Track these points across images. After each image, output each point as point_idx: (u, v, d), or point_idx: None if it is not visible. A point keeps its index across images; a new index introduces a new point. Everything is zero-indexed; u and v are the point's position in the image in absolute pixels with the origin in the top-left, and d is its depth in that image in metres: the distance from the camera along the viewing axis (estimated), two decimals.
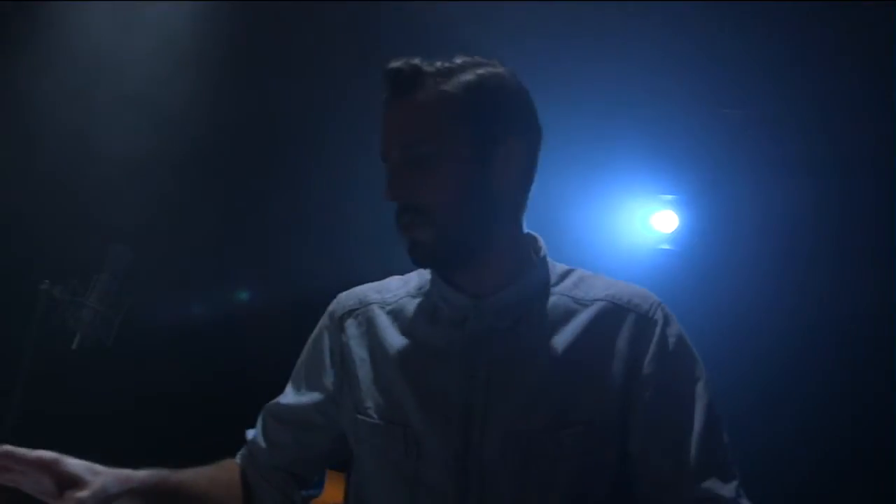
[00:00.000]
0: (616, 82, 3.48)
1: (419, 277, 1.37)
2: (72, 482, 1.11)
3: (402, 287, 1.37)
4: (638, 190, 4.02)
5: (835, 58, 3.23)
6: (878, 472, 3.36)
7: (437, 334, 1.28)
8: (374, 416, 1.28)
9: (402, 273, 1.42)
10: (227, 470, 1.40)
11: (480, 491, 1.20)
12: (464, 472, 1.21)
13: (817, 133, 3.52)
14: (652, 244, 4.04)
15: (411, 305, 1.33)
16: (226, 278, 4.16)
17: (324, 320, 1.42)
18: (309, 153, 3.89)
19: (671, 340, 1.25)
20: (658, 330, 1.25)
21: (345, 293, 1.42)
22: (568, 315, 1.26)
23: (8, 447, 1.10)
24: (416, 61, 1.23)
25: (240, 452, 1.44)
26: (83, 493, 1.10)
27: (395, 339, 1.31)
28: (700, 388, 1.24)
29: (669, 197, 4.00)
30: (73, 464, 1.13)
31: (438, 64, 1.23)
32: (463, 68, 1.24)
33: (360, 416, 1.30)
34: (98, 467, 1.15)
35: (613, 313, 1.26)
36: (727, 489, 1.18)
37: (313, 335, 1.42)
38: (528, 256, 1.31)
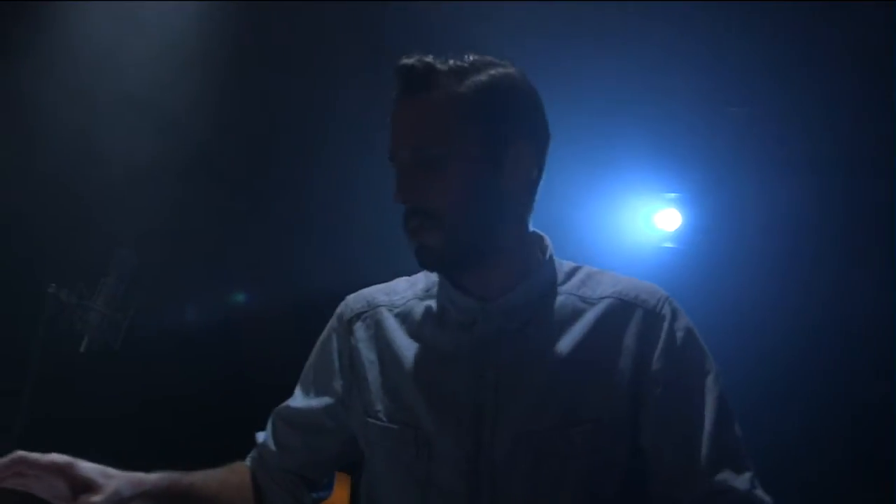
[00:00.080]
0: (619, 80, 3.48)
1: (426, 279, 1.36)
2: (85, 486, 1.12)
3: (410, 289, 1.37)
4: (641, 188, 4.02)
5: (839, 56, 3.23)
6: (882, 470, 3.36)
7: (446, 337, 1.28)
8: (384, 418, 1.28)
9: (407, 274, 1.42)
10: (237, 473, 1.40)
11: (492, 491, 1.20)
12: (475, 473, 1.21)
13: (821, 131, 3.52)
14: (655, 242, 4.05)
15: (419, 308, 1.33)
16: (231, 280, 4.17)
17: (332, 323, 1.41)
18: (315, 154, 3.89)
19: (679, 335, 1.24)
20: (666, 325, 1.24)
21: (352, 295, 1.42)
22: (575, 314, 1.26)
23: (22, 453, 1.11)
24: (429, 59, 1.22)
25: (249, 455, 1.45)
26: (97, 498, 1.11)
27: (403, 341, 1.31)
28: (710, 381, 1.23)
29: (673, 195, 4.01)
30: (87, 467, 1.14)
31: (451, 63, 1.22)
32: (475, 68, 1.23)
33: (370, 419, 1.30)
34: (111, 470, 1.16)
35: (621, 310, 1.26)
36: (740, 481, 1.18)
37: (322, 338, 1.43)
38: (534, 256, 1.31)
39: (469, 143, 1.21)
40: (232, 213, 4.07)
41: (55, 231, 3.53)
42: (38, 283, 3.32)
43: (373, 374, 1.32)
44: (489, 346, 1.25)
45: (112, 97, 3.41)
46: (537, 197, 1.31)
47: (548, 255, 1.31)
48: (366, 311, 1.37)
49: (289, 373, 1.53)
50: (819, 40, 3.19)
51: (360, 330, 1.36)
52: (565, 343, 1.24)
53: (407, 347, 1.30)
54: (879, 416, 3.40)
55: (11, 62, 3.41)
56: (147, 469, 1.23)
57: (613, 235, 4.01)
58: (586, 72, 3.35)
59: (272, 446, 1.41)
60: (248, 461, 1.44)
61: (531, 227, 1.32)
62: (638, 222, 4.06)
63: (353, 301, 1.40)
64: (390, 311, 1.35)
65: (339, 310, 1.41)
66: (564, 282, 1.30)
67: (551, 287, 1.29)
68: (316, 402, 1.39)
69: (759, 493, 1.19)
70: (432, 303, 1.33)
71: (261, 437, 1.44)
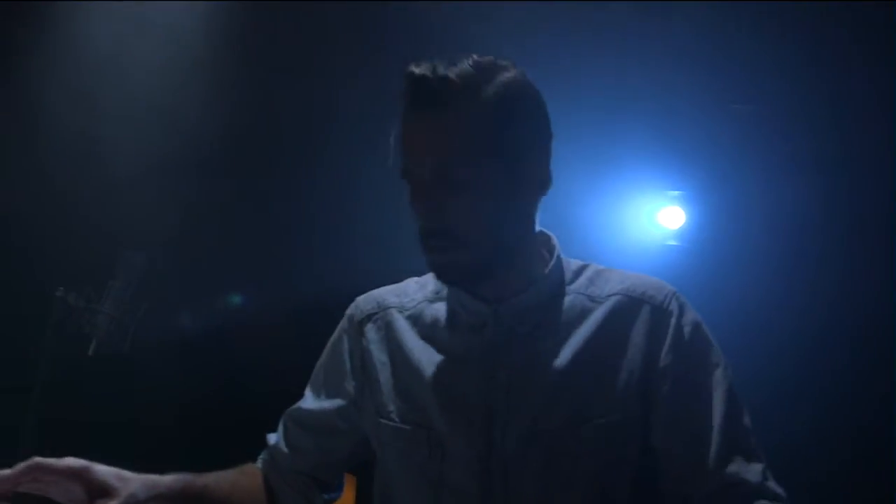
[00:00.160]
0: (622, 78, 3.48)
1: (436, 281, 1.36)
2: (101, 489, 1.12)
3: (420, 291, 1.38)
4: (645, 185, 4.02)
5: (843, 54, 3.23)
6: (883, 470, 3.36)
7: (457, 339, 1.29)
8: (397, 419, 1.29)
9: (410, 274, 1.43)
10: (248, 474, 1.41)
11: (504, 491, 1.21)
12: (487, 473, 1.22)
13: (825, 128, 3.51)
14: (658, 240, 4.05)
15: (429, 310, 1.34)
16: (236, 283, 4.17)
17: (343, 324, 1.42)
18: (318, 154, 3.90)
19: (687, 330, 1.25)
20: (673, 321, 1.25)
21: (362, 297, 1.42)
22: (584, 313, 1.27)
23: (38, 459, 1.11)
24: (442, 69, 1.18)
25: (260, 457, 1.45)
26: (113, 502, 1.11)
27: (414, 343, 1.32)
28: (718, 374, 1.24)
29: (676, 193, 4.01)
30: (102, 471, 1.14)
31: (463, 72, 1.19)
32: (486, 77, 1.20)
33: (382, 420, 1.31)
34: (126, 473, 1.16)
35: (628, 307, 1.26)
36: (752, 473, 1.19)
37: (332, 339, 1.43)
38: (541, 256, 1.31)
39: (490, 161, 1.19)
40: (237, 214, 4.07)
41: (61, 234, 3.54)
42: (45, 287, 3.33)
43: (384, 375, 1.33)
44: (500, 348, 1.26)
45: (118, 100, 3.42)
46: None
47: (555, 255, 1.31)
48: (376, 313, 1.38)
49: (297, 374, 1.54)
50: (824, 37, 3.19)
51: (371, 331, 1.37)
52: (574, 343, 1.25)
53: (418, 349, 1.31)
54: (888, 416, 3.40)
55: (18, 63, 3.42)
56: (156, 471, 1.23)
57: (617, 233, 4.01)
58: (589, 69, 3.36)
59: (284, 448, 1.42)
60: (259, 463, 1.44)
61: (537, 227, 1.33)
62: (641, 220, 4.06)
63: (364, 302, 1.41)
64: (401, 312, 1.36)
65: (349, 311, 1.42)
66: (572, 281, 1.31)
67: (560, 287, 1.30)
68: (328, 403, 1.39)
69: (772, 484, 1.20)
70: (442, 305, 1.33)
71: (272, 438, 1.44)
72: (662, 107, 3.60)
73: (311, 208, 4.04)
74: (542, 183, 1.27)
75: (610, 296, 1.28)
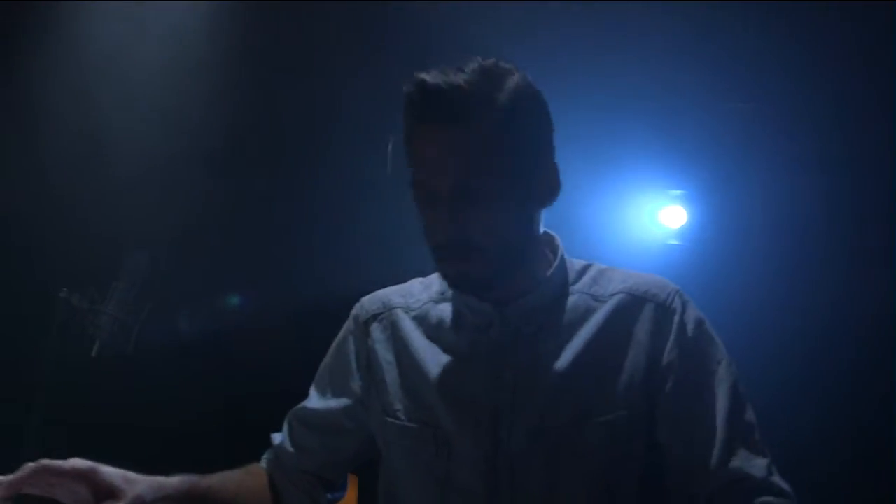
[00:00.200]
0: (623, 76, 3.48)
1: (440, 282, 1.37)
2: (107, 492, 1.13)
3: (425, 292, 1.39)
4: (646, 185, 4.02)
5: (847, 53, 3.23)
6: (883, 470, 3.36)
7: (463, 340, 1.30)
8: (403, 417, 1.30)
9: (413, 275, 1.44)
10: (253, 474, 1.41)
11: (511, 489, 1.22)
12: (494, 471, 1.23)
13: (828, 127, 3.51)
14: (660, 239, 4.05)
15: (435, 311, 1.35)
16: (240, 283, 4.17)
17: (348, 325, 1.43)
18: (323, 155, 3.90)
19: (690, 326, 1.26)
20: (677, 318, 1.26)
21: (367, 297, 1.43)
22: (588, 313, 1.28)
23: (44, 461, 1.12)
24: (454, 80, 1.17)
25: (265, 457, 1.45)
26: None
27: (420, 343, 1.33)
28: (722, 370, 1.25)
29: (677, 192, 4.01)
30: (108, 473, 1.15)
31: (477, 81, 1.18)
32: (498, 85, 1.19)
33: (388, 419, 1.32)
34: (132, 475, 1.17)
35: (632, 305, 1.27)
36: (757, 468, 1.19)
37: (337, 340, 1.44)
38: (546, 257, 1.32)
39: (507, 170, 1.20)
40: (239, 214, 4.08)
41: (64, 235, 3.54)
42: (49, 288, 3.34)
43: (391, 374, 1.34)
44: (506, 348, 1.27)
45: (120, 99, 3.42)
46: None
47: (559, 256, 1.32)
48: (382, 313, 1.39)
49: (300, 374, 1.54)
50: (827, 35, 3.19)
51: (376, 331, 1.38)
52: (579, 341, 1.26)
53: (424, 349, 1.32)
54: (883, 415, 3.40)
55: (22, 63, 3.42)
56: (161, 472, 1.24)
57: (618, 232, 4.00)
58: (590, 68, 3.36)
59: (289, 447, 1.42)
60: (263, 463, 1.45)
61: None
62: (643, 219, 4.05)
63: (369, 303, 1.42)
64: (406, 312, 1.37)
65: (354, 312, 1.43)
66: (576, 281, 1.32)
67: (564, 287, 1.31)
68: (334, 402, 1.40)
69: (777, 479, 1.21)
70: (448, 306, 1.34)
71: (277, 438, 1.45)
72: (664, 106, 3.60)
73: (314, 208, 4.04)
74: (552, 187, 1.28)
75: (613, 295, 1.29)
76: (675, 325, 1.26)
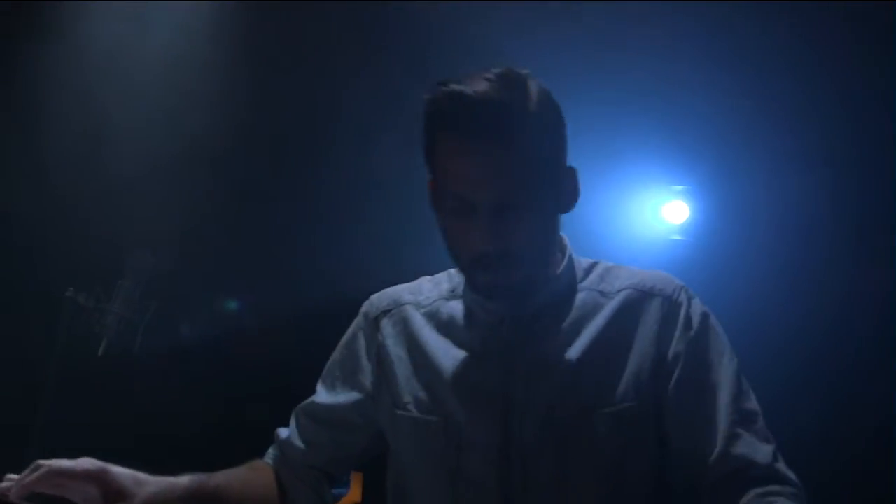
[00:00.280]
0: (626, 72, 3.48)
1: (450, 280, 1.40)
2: (117, 493, 1.15)
3: (435, 289, 1.41)
4: (648, 180, 4.02)
5: (852, 48, 3.22)
6: (883, 470, 3.35)
7: (474, 335, 1.32)
8: (414, 409, 1.32)
9: (416, 275, 1.46)
10: (258, 470, 1.42)
11: (523, 480, 1.24)
12: (506, 462, 1.25)
13: (829, 123, 3.50)
14: (662, 235, 4.05)
15: (445, 308, 1.37)
16: (242, 283, 4.18)
17: (357, 322, 1.44)
18: (326, 154, 3.91)
19: (696, 319, 1.29)
20: (683, 311, 1.29)
21: (377, 294, 1.45)
22: (597, 308, 1.31)
23: (55, 464, 1.13)
24: (489, 90, 1.17)
25: (270, 453, 1.46)
26: None
27: (432, 337, 1.35)
28: (725, 362, 1.28)
29: (680, 187, 4.01)
30: (118, 474, 1.16)
31: (506, 91, 1.18)
32: (527, 95, 1.20)
33: (398, 411, 1.33)
34: (142, 476, 1.19)
35: (639, 300, 1.31)
36: (761, 454, 1.21)
37: (346, 336, 1.45)
38: (555, 256, 1.35)
39: (543, 183, 1.22)
40: (239, 214, 4.08)
41: (69, 235, 3.55)
42: (54, 287, 3.34)
43: (401, 368, 1.35)
44: (517, 344, 1.29)
45: (122, 99, 3.43)
46: None
47: (567, 255, 1.35)
48: (392, 309, 1.41)
49: (304, 372, 1.55)
50: (832, 30, 3.18)
51: (387, 326, 1.39)
52: (588, 335, 1.29)
53: (436, 343, 1.34)
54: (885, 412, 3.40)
55: (24, 63, 3.43)
56: (168, 471, 1.25)
57: (621, 228, 4.01)
58: (592, 63, 3.36)
59: (297, 443, 1.43)
60: (268, 458, 1.45)
61: None
62: (645, 214, 4.06)
63: (378, 299, 1.44)
64: (417, 309, 1.39)
65: (363, 308, 1.45)
66: (583, 278, 1.35)
67: (572, 285, 1.34)
68: (343, 397, 1.41)
69: (782, 466, 1.22)
70: (458, 303, 1.37)
71: (283, 433, 1.45)
72: (666, 101, 3.60)
73: (315, 208, 4.04)
74: (575, 191, 1.31)
75: (620, 290, 1.32)
76: (681, 319, 1.29)
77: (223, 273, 4.05)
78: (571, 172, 1.29)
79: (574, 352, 1.27)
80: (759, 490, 1.18)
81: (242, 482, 1.36)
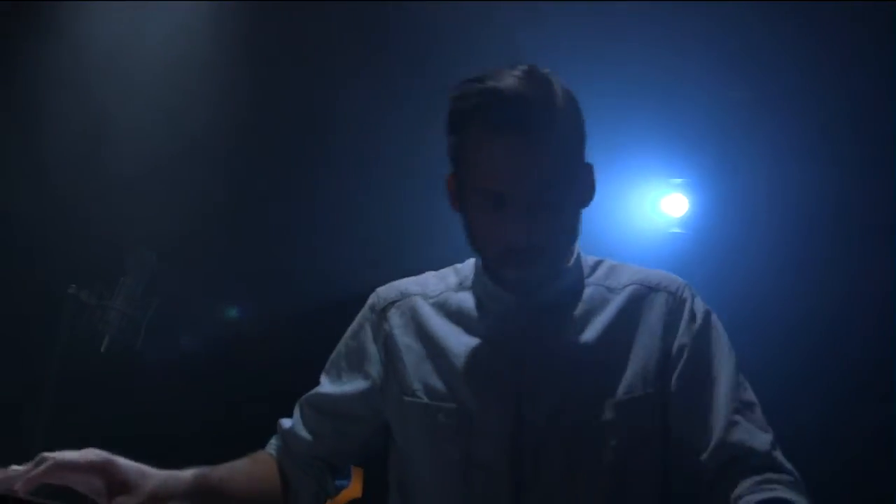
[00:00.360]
0: (625, 65, 3.48)
1: (457, 274, 1.42)
2: (122, 485, 1.15)
3: (441, 282, 1.42)
4: (648, 173, 4.02)
5: (853, 38, 3.22)
6: (883, 469, 3.35)
7: (485, 326, 1.34)
8: (424, 396, 1.33)
9: (415, 273, 1.47)
10: (261, 462, 1.43)
11: (535, 466, 1.26)
12: (518, 448, 1.26)
13: (829, 116, 3.50)
14: (662, 228, 4.05)
15: (454, 299, 1.39)
16: (243, 282, 4.18)
17: (364, 313, 1.45)
18: (326, 154, 3.91)
19: (699, 315, 1.34)
20: (687, 306, 1.34)
21: (383, 287, 1.46)
22: (604, 302, 1.35)
23: (59, 457, 1.13)
24: (521, 87, 1.20)
25: (273, 444, 1.46)
26: (133, 501, 1.15)
27: (442, 325, 1.37)
28: (726, 355, 1.32)
29: (679, 180, 4.01)
30: (124, 466, 1.17)
31: (536, 88, 1.21)
32: (554, 91, 1.23)
33: (407, 398, 1.34)
34: (147, 469, 1.20)
35: (645, 295, 1.35)
36: (759, 442, 1.24)
37: (352, 328, 1.46)
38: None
39: (572, 178, 1.26)
40: (240, 214, 4.09)
41: (71, 233, 3.55)
42: (56, 284, 3.35)
43: (410, 357, 1.37)
44: (527, 335, 1.32)
45: (123, 98, 3.44)
46: None
47: (576, 250, 1.38)
48: (399, 300, 1.42)
49: (306, 369, 1.56)
50: (834, 24, 3.18)
51: (394, 317, 1.41)
52: (596, 327, 1.32)
53: (446, 331, 1.36)
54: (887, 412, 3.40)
55: (24, 63, 3.44)
56: (171, 465, 1.26)
57: (620, 221, 4.00)
58: (592, 56, 3.35)
59: (301, 433, 1.43)
60: (271, 449, 1.46)
61: None
62: (645, 208, 4.07)
63: (385, 291, 1.45)
64: (425, 300, 1.40)
65: (370, 301, 1.46)
66: (590, 274, 1.39)
67: (580, 279, 1.37)
68: (349, 387, 1.42)
69: (779, 455, 1.25)
70: (467, 295, 1.38)
71: (286, 423, 1.45)
72: (666, 94, 3.61)
73: (315, 207, 4.04)
74: (593, 186, 1.34)
75: (626, 286, 1.36)
76: (685, 314, 1.33)
77: (223, 272, 4.05)
78: (589, 168, 1.33)
79: (584, 343, 1.31)
80: (757, 478, 1.21)
81: (245, 474, 1.37)
